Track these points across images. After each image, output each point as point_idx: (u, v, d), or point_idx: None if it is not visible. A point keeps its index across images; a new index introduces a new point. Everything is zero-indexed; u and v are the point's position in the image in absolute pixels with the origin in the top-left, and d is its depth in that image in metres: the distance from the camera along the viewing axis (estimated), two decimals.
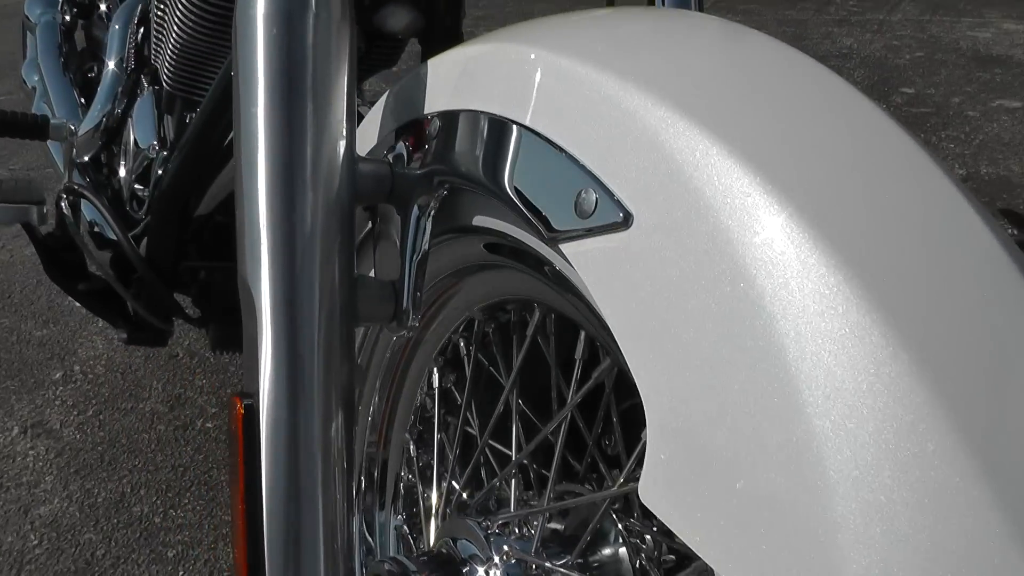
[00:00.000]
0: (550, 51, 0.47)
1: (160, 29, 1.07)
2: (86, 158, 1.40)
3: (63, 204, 1.07)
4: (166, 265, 1.07)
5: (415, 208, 0.55)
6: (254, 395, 0.51)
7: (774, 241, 0.35)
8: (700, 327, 0.36)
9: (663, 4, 0.73)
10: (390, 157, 0.58)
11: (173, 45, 1.01)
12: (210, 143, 0.97)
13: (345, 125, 0.53)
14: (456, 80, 0.54)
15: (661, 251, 0.37)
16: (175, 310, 1.10)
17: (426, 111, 0.55)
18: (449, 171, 0.52)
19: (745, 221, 0.36)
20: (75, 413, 1.44)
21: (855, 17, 3.87)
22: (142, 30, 1.38)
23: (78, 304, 1.18)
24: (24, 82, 1.64)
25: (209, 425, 1.40)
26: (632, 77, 0.42)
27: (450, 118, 0.52)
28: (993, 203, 2.05)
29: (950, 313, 0.33)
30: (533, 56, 0.47)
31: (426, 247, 0.55)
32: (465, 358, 0.69)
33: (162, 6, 1.05)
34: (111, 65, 1.33)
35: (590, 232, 0.40)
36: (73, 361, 1.58)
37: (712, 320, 0.35)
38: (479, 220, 0.55)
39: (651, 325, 0.37)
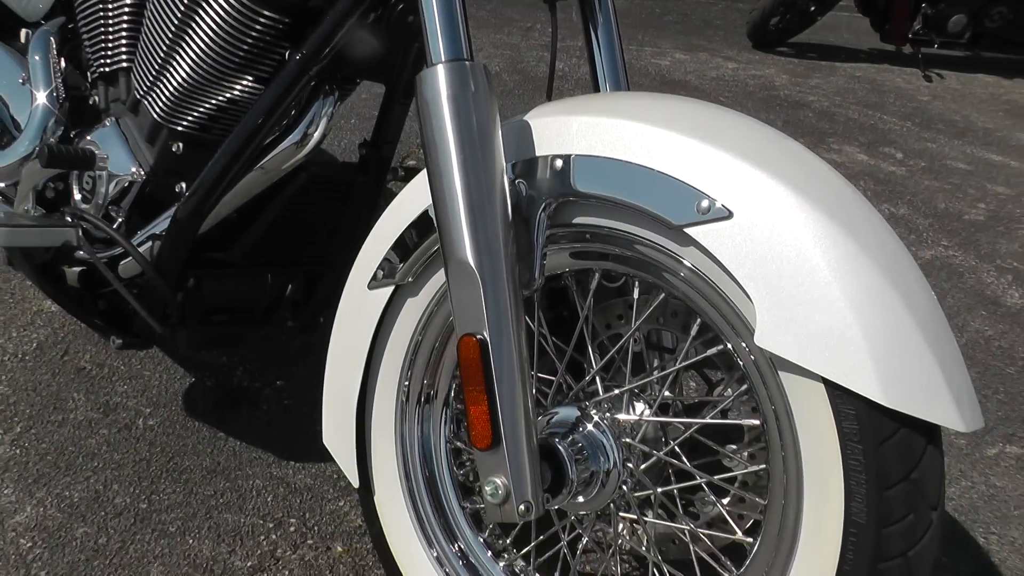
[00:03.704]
0: (644, 123, 0.84)
1: (162, 67, 1.21)
2: (3, 186, 1.48)
3: (78, 229, 1.21)
4: (172, 273, 1.25)
5: (540, 214, 0.89)
6: (479, 332, 0.83)
7: (805, 218, 0.76)
8: (778, 248, 0.75)
9: (606, 87, 1.12)
10: (516, 182, 0.91)
11: (181, 85, 1.19)
12: (229, 174, 1.19)
13: (502, 160, 0.87)
14: (563, 135, 0.89)
15: (751, 227, 0.77)
16: (175, 310, 1.28)
17: (542, 152, 0.89)
18: (571, 192, 0.87)
19: (781, 203, 0.76)
20: (1, 432, 1.50)
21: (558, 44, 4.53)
22: (63, 62, 1.49)
23: None
24: None
25: (152, 422, 1.55)
26: (709, 142, 0.80)
27: (567, 159, 0.87)
28: None
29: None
30: (635, 127, 0.84)
31: (547, 237, 0.90)
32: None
33: (166, 46, 1.20)
34: (41, 98, 1.43)
35: (708, 221, 0.78)
36: None
37: (787, 243, 0.75)
38: (580, 220, 0.90)
39: (751, 252, 0.76)
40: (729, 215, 0.78)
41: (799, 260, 0.75)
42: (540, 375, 1.05)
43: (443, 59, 0.86)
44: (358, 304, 1.06)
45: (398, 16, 1.13)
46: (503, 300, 0.84)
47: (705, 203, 0.79)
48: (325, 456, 1.15)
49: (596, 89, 1.13)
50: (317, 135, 1.20)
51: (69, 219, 1.23)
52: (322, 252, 1.42)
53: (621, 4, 6.19)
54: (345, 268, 1.46)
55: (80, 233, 1.18)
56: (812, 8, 4.75)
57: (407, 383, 1.05)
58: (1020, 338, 2.10)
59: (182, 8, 1.17)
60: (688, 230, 0.80)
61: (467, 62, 0.86)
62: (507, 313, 0.84)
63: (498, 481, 0.84)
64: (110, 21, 1.35)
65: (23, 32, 1.70)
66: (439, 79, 0.85)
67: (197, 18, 1.16)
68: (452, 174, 0.85)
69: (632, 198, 0.84)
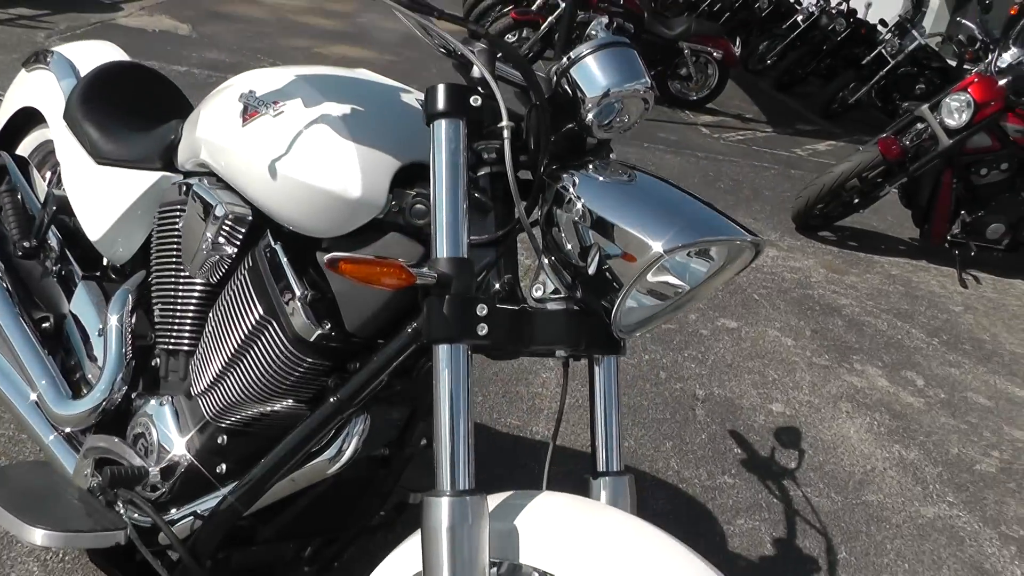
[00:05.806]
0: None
1: (217, 379, 1.38)
2: (68, 430, 1.66)
3: (127, 529, 1.37)
4: (206, 554, 1.40)
5: None
6: None
7: None
8: None
9: (603, 461, 1.24)
10: None
11: (232, 397, 1.37)
12: (269, 482, 1.34)
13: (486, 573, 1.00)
14: (545, 551, 1.02)
15: None
16: None
17: (525, 561, 1.03)
18: None
19: None
20: None
21: None
22: (134, 318, 1.67)
23: None
24: None
25: None
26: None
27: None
28: (724, 423, 2.81)
29: None
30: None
31: None
32: None
33: (223, 364, 1.38)
34: (113, 356, 1.62)
35: None
36: None
37: None
38: None
39: None
40: None
41: None
42: None
43: (447, 491, 1.01)
44: None
45: (427, 372, 1.29)
46: None
47: None
48: None
49: (594, 462, 1.25)
50: (349, 453, 1.35)
51: (120, 508, 1.40)
52: (341, 524, 1.57)
53: (679, 164, 6.41)
54: (359, 532, 1.61)
55: (129, 531, 1.34)
56: (855, 200, 4.92)
57: None
58: None
59: (240, 339, 1.35)
60: None
61: (468, 496, 1.01)
62: None
63: None
64: (178, 303, 1.52)
65: (105, 259, 1.92)
66: (443, 511, 1.00)
67: (252, 351, 1.34)
68: None
69: None
